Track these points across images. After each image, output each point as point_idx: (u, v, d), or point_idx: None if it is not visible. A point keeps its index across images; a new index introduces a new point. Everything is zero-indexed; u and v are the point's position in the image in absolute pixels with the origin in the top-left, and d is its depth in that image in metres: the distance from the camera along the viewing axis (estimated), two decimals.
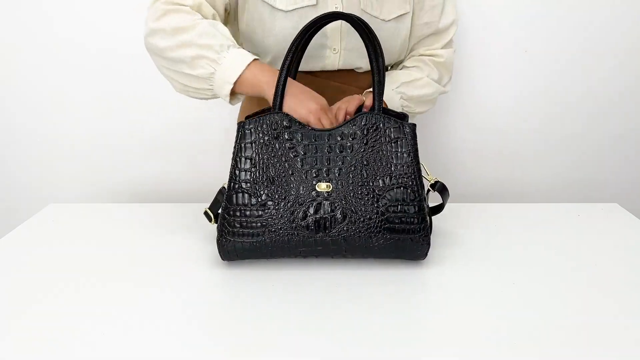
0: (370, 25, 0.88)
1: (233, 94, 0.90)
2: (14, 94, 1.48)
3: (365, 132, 0.85)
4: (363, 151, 0.84)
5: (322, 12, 0.92)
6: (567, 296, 0.79)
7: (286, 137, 0.85)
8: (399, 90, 1.02)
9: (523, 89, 1.51)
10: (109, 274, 0.87)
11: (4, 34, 1.43)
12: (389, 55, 1.04)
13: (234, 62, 0.87)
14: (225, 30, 0.90)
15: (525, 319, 0.72)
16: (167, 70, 0.93)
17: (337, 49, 0.98)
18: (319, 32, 0.95)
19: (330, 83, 1.03)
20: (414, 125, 0.86)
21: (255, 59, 0.88)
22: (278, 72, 0.85)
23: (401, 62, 1.10)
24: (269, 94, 0.86)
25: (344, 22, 0.96)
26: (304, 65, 1.00)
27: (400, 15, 1.00)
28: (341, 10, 0.93)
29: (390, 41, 1.01)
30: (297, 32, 0.87)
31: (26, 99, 1.49)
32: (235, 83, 0.87)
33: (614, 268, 0.88)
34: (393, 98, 1.00)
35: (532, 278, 0.84)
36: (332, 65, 1.02)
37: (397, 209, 0.84)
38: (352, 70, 1.04)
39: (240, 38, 1.05)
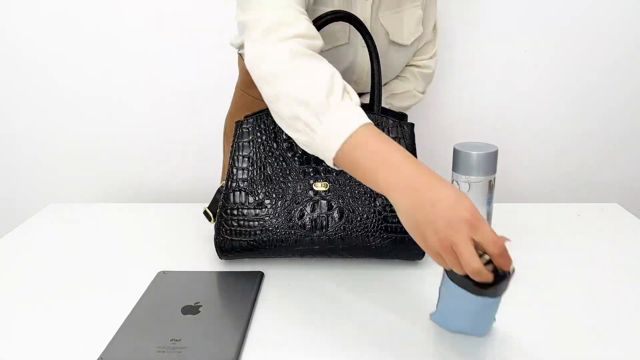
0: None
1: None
2: (14, 94, 1.48)
3: None
4: None
5: (354, 48, 0.94)
6: (567, 296, 0.79)
7: (284, 136, 0.86)
8: (388, 101, 1.05)
9: (522, 89, 1.51)
10: (108, 273, 0.87)
11: (4, 34, 1.43)
12: (395, 73, 1.07)
13: (336, 126, 0.64)
14: (339, 79, 0.67)
15: (524, 319, 0.72)
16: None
17: (362, 82, 1.01)
18: (348, 70, 0.97)
19: None
20: (412, 124, 0.86)
21: (364, 124, 0.64)
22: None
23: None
24: (374, 177, 0.61)
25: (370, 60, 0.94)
26: None
27: (416, 38, 1.02)
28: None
29: (403, 63, 1.05)
30: None
31: (26, 99, 1.49)
32: (336, 158, 0.64)
33: (614, 268, 0.88)
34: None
35: (531, 278, 0.84)
36: None
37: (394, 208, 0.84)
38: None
39: None
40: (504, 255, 0.55)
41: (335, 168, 0.67)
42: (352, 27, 0.91)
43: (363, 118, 0.65)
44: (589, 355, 0.66)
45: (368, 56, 0.95)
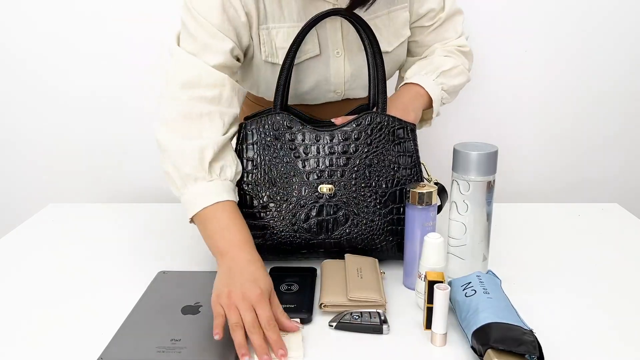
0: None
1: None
2: (14, 94, 1.48)
3: (369, 132, 0.84)
4: (367, 151, 0.83)
5: (325, 59, 0.91)
6: (567, 296, 0.79)
7: (288, 137, 0.84)
8: (439, 81, 0.95)
9: (523, 89, 1.51)
10: (108, 274, 0.87)
11: (4, 34, 1.43)
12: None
13: (193, 199, 0.79)
14: (209, 156, 0.80)
15: (525, 319, 0.72)
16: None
17: (341, 91, 0.97)
18: (322, 81, 0.93)
19: (330, 103, 1.01)
20: (415, 125, 0.86)
21: (216, 203, 0.78)
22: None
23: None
24: (211, 245, 0.78)
25: (347, 69, 0.93)
26: (306, 100, 0.98)
27: (402, 42, 0.97)
28: (342, 52, 0.92)
29: (390, 68, 0.99)
30: (297, 32, 0.84)
31: (26, 99, 1.49)
32: (192, 219, 0.81)
33: (614, 268, 0.88)
34: (434, 90, 0.94)
35: (532, 278, 0.84)
36: (334, 99, 1.00)
37: (400, 210, 0.84)
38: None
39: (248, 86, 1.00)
40: (273, 333, 0.66)
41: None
42: (320, 38, 0.89)
43: (217, 197, 0.78)
44: (588, 354, 0.66)
45: (343, 66, 0.93)
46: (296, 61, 0.89)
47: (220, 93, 0.83)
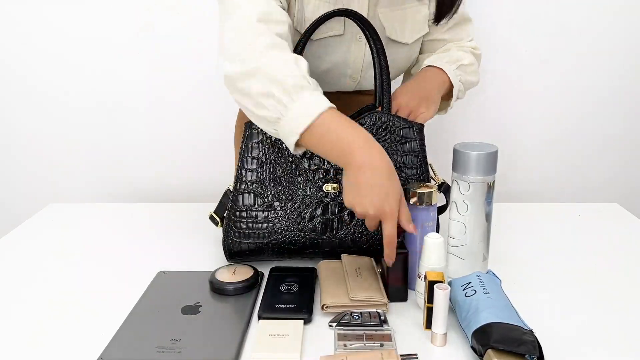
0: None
1: (299, 144, 0.72)
2: (15, 94, 1.48)
3: (374, 131, 0.83)
4: None
5: (347, 41, 0.92)
6: (567, 296, 0.79)
7: None
8: (458, 72, 0.97)
9: (523, 89, 1.51)
10: (108, 273, 0.87)
11: (4, 35, 1.43)
12: (398, 71, 1.04)
13: (306, 108, 0.70)
14: (304, 66, 0.74)
15: (525, 319, 0.72)
16: (239, 102, 0.78)
17: (357, 78, 0.98)
18: (341, 63, 0.94)
19: (343, 94, 1.03)
20: (422, 125, 0.86)
21: (331, 107, 0.71)
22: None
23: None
24: (334, 155, 0.70)
25: (367, 54, 0.94)
26: (320, 85, 0.98)
27: (419, 37, 0.99)
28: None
29: (406, 61, 1.01)
30: (308, 25, 0.84)
31: (27, 99, 1.49)
32: (302, 135, 0.69)
33: (614, 268, 0.88)
34: (454, 79, 0.96)
35: (532, 278, 0.84)
36: (347, 88, 1.01)
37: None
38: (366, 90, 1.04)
39: None
40: (408, 226, 0.70)
41: (290, 147, 0.71)
42: (347, 20, 0.89)
43: (327, 102, 0.71)
44: (588, 354, 0.66)
45: (363, 52, 0.94)
46: (320, 36, 0.89)
47: (285, 30, 0.79)
